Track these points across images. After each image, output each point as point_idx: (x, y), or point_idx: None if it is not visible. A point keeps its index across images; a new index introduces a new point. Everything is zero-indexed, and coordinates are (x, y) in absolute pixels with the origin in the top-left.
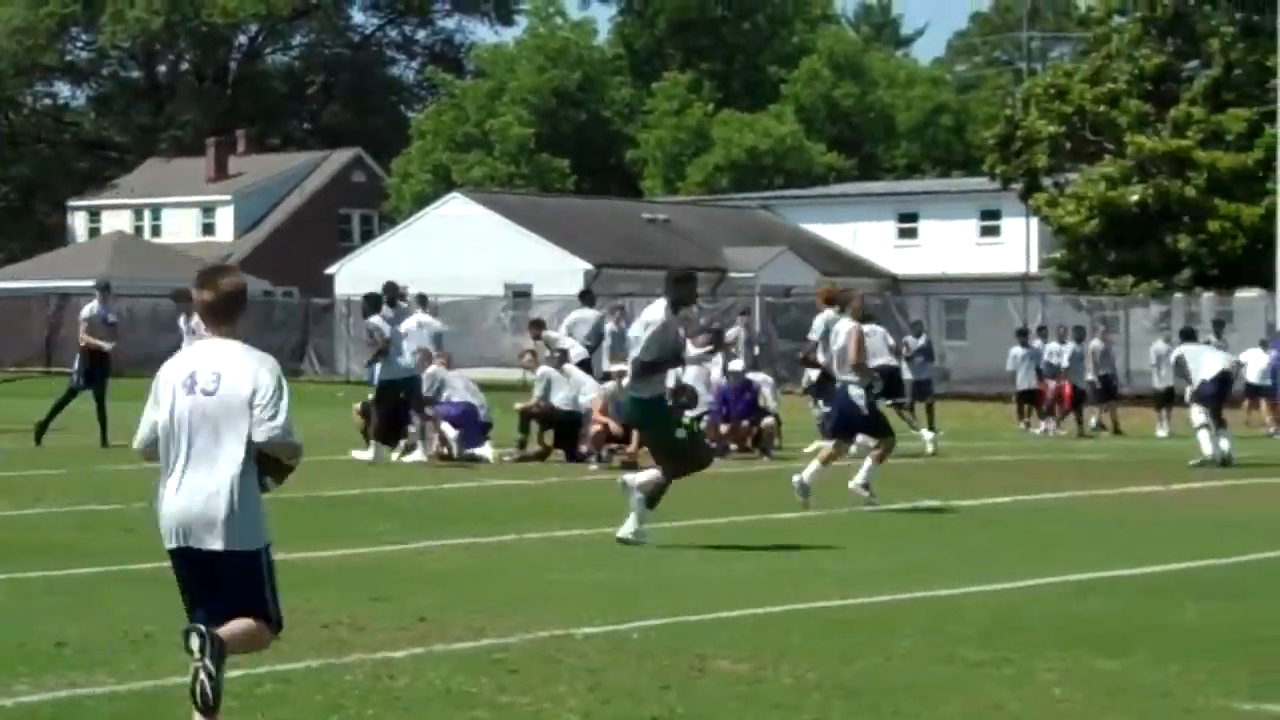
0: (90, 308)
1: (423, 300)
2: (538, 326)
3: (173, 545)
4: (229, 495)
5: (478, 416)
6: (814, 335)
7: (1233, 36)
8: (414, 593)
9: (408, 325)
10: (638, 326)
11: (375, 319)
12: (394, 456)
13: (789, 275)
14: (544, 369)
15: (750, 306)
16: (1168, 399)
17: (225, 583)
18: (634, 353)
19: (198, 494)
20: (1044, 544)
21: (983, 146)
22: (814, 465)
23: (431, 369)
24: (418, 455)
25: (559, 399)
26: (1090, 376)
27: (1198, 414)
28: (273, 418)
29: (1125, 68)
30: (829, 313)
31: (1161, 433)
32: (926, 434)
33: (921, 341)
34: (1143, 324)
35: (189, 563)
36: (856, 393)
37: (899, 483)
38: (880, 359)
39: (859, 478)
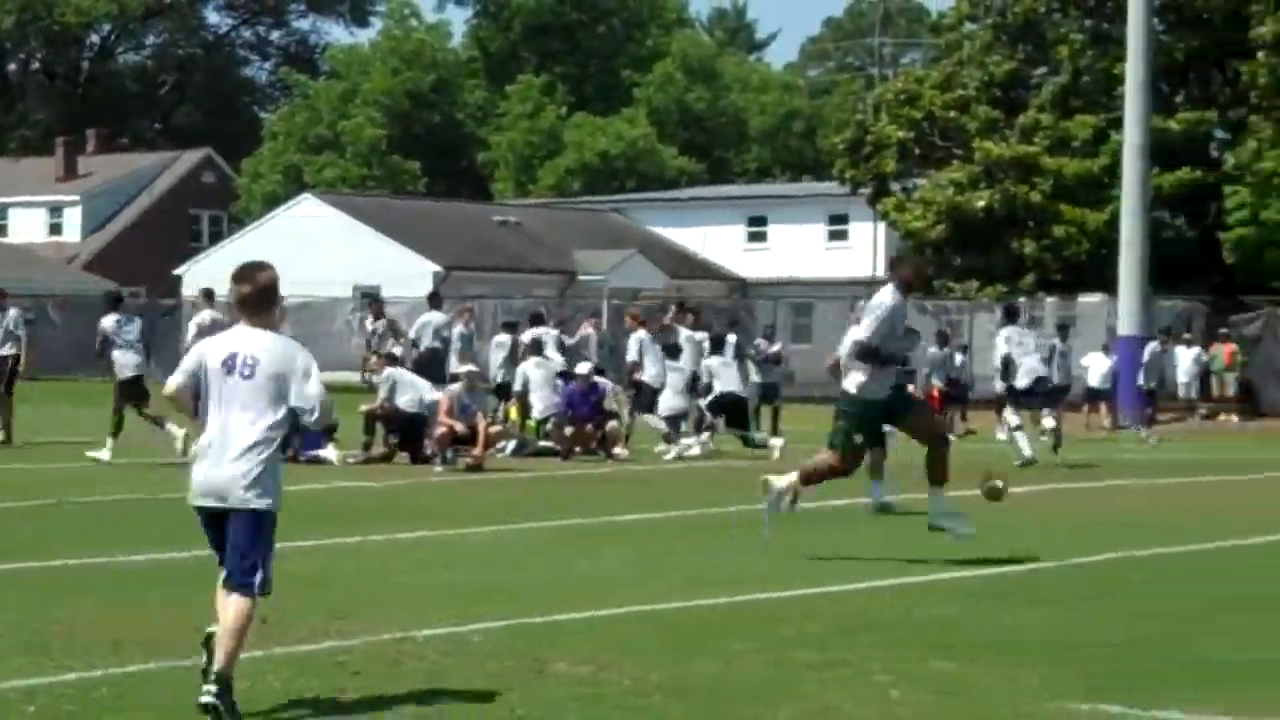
0: None
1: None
2: (378, 305)
3: (199, 504)
4: (257, 463)
5: None
6: (631, 356)
7: (1081, 44)
8: None
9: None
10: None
11: (104, 320)
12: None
13: (639, 278)
14: (389, 371)
15: (599, 309)
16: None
17: (239, 537)
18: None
19: (229, 463)
20: (882, 546)
21: (833, 151)
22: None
23: None
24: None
25: (404, 401)
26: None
27: (1012, 415)
28: (310, 392)
29: (975, 74)
30: (642, 333)
31: (1002, 435)
32: (774, 440)
33: (775, 347)
34: (987, 328)
35: (212, 521)
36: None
37: (736, 486)
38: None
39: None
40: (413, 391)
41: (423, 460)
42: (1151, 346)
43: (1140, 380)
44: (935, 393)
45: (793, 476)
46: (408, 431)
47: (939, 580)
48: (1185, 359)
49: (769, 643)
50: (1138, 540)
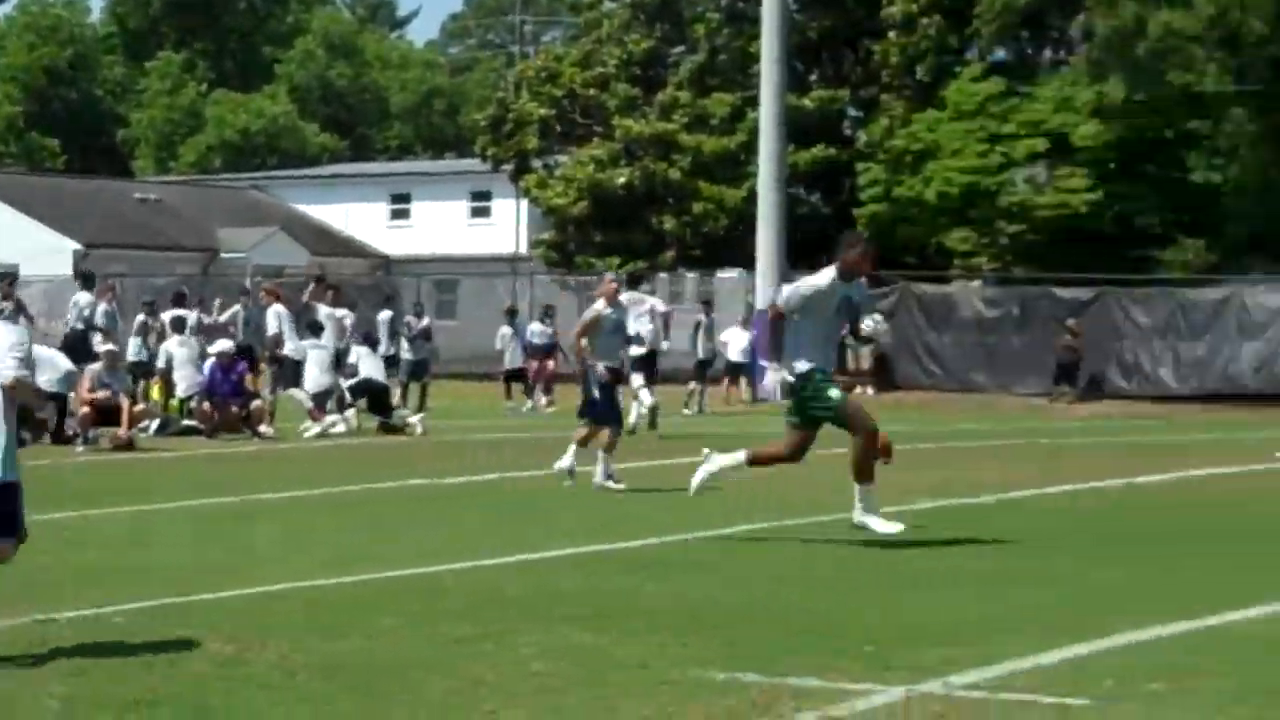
0: None
1: None
2: (6, 284)
3: None
4: None
5: None
6: (271, 330)
7: (718, 22)
8: None
9: None
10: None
11: None
12: None
13: (282, 255)
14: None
15: (243, 287)
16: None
17: None
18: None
19: None
20: (527, 521)
21: (475, 129)
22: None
23: None
24: None
25: (42, 380)
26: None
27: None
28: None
29: (615, 52)
30: (279, 308)
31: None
32: (413, 417)
33: (424, 323)
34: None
35: None
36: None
37: (384, 462)
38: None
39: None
40: (51, 370)
41: (65, 440)
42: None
43: None
44: (551, 367)
45: (740, 456)
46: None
47: (583, 553)
48: None
49: (417, 618)
50: (766, 511)
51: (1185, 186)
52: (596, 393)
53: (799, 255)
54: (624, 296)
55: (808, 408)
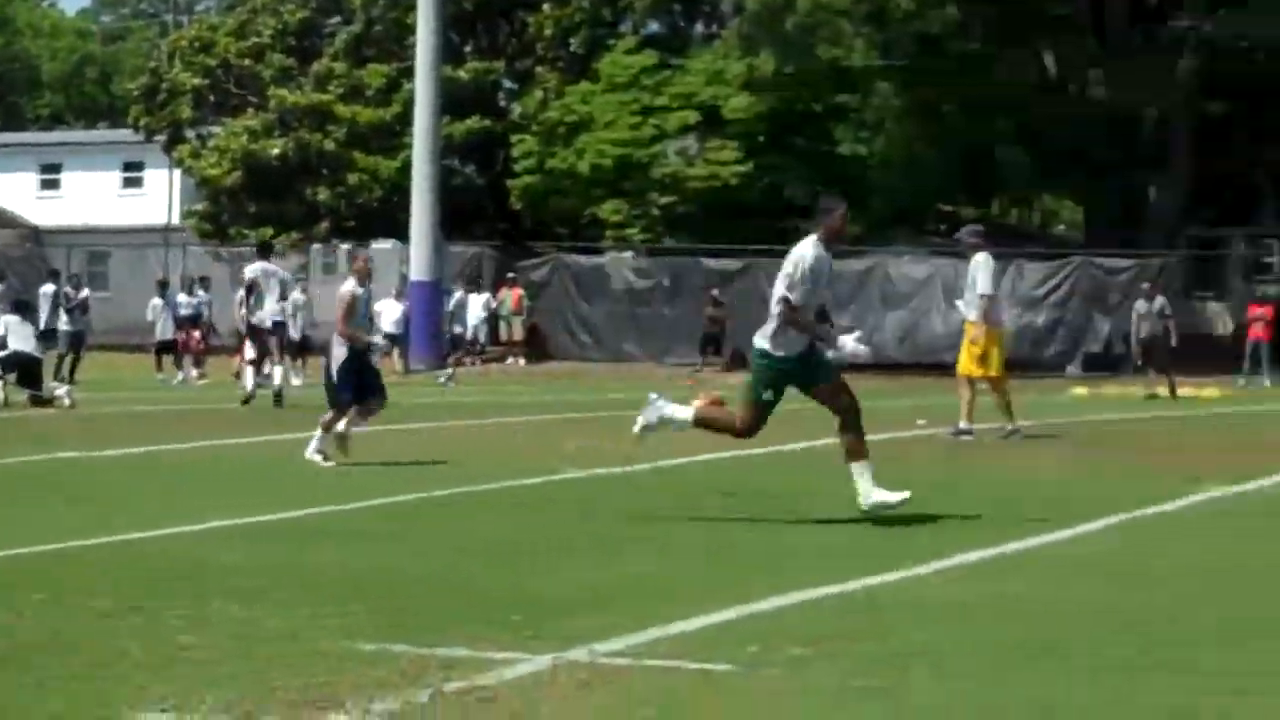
0: None
1: None
2: None
3: None
4: None
5: None
6: None
7: None
8: None
9: None
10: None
11: None
12: None
13: None
14: None
15: None
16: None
17: None
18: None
19: None
20: (166, 494)
21: (128, 98)
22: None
23: None
24: None
25: None
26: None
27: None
28: None
29: (270, 22)
30: None
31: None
32: (61, 389)
33: (83, 294)
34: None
35: None
36: (339, 353)
37: (49, 436)
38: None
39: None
40: None
41: None
42: (458, 295)
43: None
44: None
45: (688, 412)
46: None
47: (234, 525)
48: (475, 304)
49: (62, 594)
50: (432, 481)
51: (833, 159)
52: (335, 374)
53: (453, 226)
54: (254, 268)
55: (817, 376)
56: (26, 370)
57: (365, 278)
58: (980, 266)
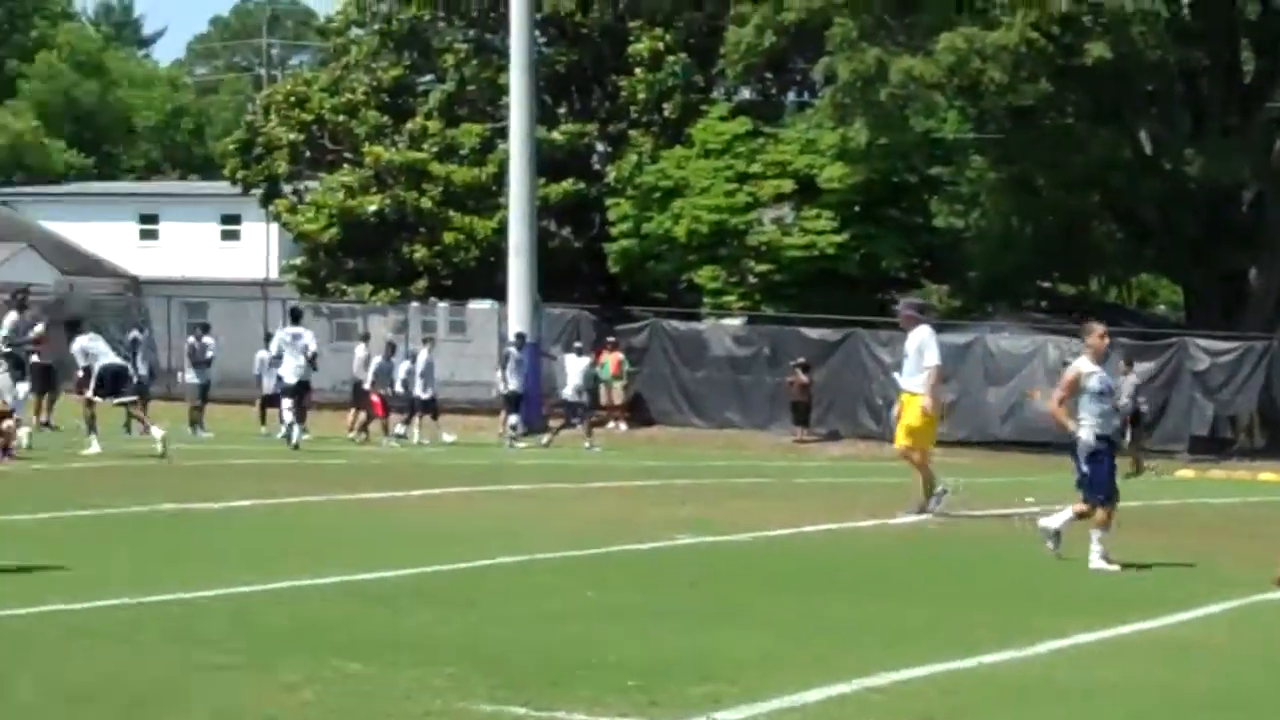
0: None
1: None
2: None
3: None
4: None
5: None
6: None
7: (466, 53)
8: None
9: None
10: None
11: None
12: None
13: (29, 274)
14: None
15: None
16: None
17: None
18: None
19: None
20: (280, 548)
21: (224, 152)
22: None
23: None
24: None
25: None
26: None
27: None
28: None
29: (363, 79)
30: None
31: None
32: (158, 432)
33: (210, 344)
34: (379, 332)
35: None
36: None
37: (133, 487)
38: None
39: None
40: None
41: None
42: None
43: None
44: (377, 399)
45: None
46: None
47: (336, 583)
48: (575, 367)
49: (174, 644)
50: (542, 544)
51: (927, 231)
52: (1086, 466)
53: (550, 288)
54: (286, 332)
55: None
56: (116, 378)
57: (1101, 356)
58: (925, 339)
